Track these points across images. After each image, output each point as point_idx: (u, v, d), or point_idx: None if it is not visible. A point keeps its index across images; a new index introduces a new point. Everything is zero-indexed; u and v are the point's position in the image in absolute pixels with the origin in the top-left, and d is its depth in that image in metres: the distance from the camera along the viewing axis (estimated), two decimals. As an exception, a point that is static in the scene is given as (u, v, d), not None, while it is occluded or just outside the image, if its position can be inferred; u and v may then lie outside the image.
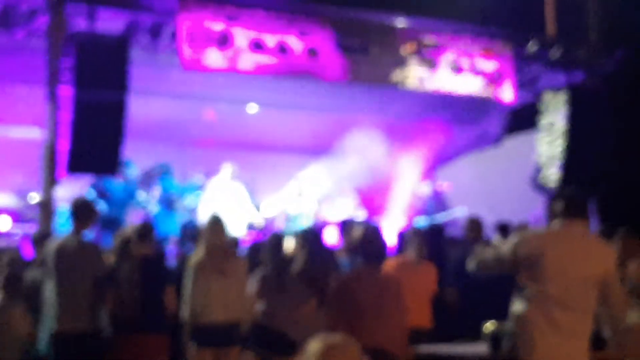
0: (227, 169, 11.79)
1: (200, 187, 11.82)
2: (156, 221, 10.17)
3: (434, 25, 11.32)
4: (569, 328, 4.67)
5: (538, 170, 12.06)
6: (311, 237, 7.54)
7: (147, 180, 11.47)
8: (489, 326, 5.44)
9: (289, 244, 7.50)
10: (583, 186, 11.14)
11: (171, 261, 8.33)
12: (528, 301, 4.71)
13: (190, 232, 9.32)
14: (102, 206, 10.50)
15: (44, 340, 6.52)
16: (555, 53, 11.81)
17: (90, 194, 10.51)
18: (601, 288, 4.74)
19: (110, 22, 9.54)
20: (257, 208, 12.02)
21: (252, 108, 12.87)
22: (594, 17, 12.49)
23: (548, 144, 11.92)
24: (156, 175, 11.51)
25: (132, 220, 10.29)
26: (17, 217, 10.51)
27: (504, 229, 8.87)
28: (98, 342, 6.51)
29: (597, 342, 5.06)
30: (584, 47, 12.18)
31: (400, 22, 11.05)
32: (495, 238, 8.95)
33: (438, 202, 13.15)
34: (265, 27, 10.19)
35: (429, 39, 11.14)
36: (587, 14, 12.52)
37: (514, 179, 12.40)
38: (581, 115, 11.82)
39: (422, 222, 12.18)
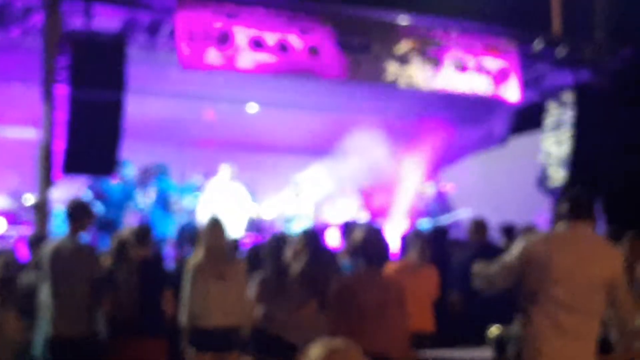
0: (225, 170, 11.80)
1: (198, 188, 11.82)
2: (152, 222, 10.17)
3: (437, 23, 11.30)
4: (575, 332, 4.66)
5: (544, 170, 12.05)
6: (311, 238, 7.53)
7: (143, 180, 11.47)
8: (494, 330, 5.42)
9: (289, 246, 7.50)
10: (590, 187, 11.12)
11: (169, 264, 8.32)
12: (534, 305, 4.70)
13: (188, 234, 9.31)
14: (99, 208, 10.50)
15: (39, 344, 6.51)
16: (561, 51, 11.80)
17: (86, 195, 10.50)
18: (608, 291, 4.73)
19: (107, 20, 9.53)
20: (258, 207, 12.04)
21: (252, 107, 12.87)
22: (601, 15, 12.48)
23: (555, 144, 11.90)
24: (152, 175, 11.50)
25: (129, 221, 10.30)
26: (12, 218, 10.50)
27: (509, 231, 8.86)
28: (95, 346, 6.50)
29: (605, 346, 5.05)
30: (590, 46, 12.17)
31: (403, 20, 11.04)
32: (501, 240, 8.95)
33: (442, 203, 13.14)
34: (265, 25, 10.18)
35: (433, 37, 11.13)
36: (594, 11, 12.51)
37: (520, 180, 12.39)
38: (588, 114, 11.81)
39: (425, 224, 12.18)
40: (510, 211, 10.69)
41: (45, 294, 6.50)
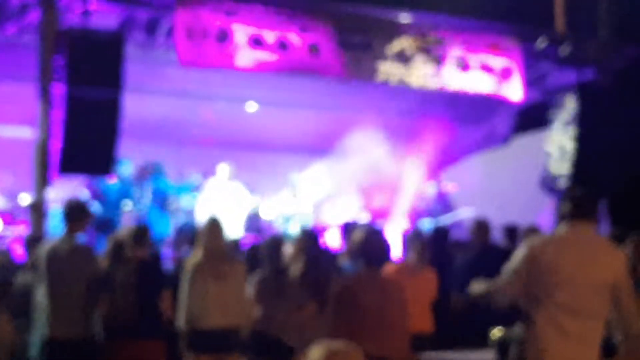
0: (223, 169, 11.81)
1: (196, 187, 11.82)
2: (149, 222, 10.17)
3: (439, 21, 11.30)
4: (579, 335, 4.66)
5: (547, 170, 12.05)
6: (309, 239, 7.54)
7: (139, 178, 11.48)
8: (496, 333, 5.44)
9: (288, 247, 7.51)
10: (593, 187, 11.13)
11: (166, 264, 8.32)
12: (537, 308, 4.70)
13: (187, 235, 9.31)
14: (96, 208, 10.50)
15: (35, 346, 6.51)
16: (564, 50, 11.80)
17: (83, 195, 10.51)
18: (612, 293, 4.74)
19: (104, 18, 9.52)
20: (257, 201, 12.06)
21: (252, 106, 12.88)
22: (605, 13, 12.48)
23: (558, 143, 11.91)
24: (148, 174, 11.51)
25: (126, 221, 10.30)
26: (8, 218, 10.51)
27: (511, 232, 8.86)
28: (91, 348, 6.51)
29: (608, 348, 5.05)
30: (594, 44, 12.17)
31: (404, 18, 11.04)
32: (503, 242, 8.95)
33: (443, 203, 13.15)
34: (264, 23, 10.18)
35: (434, 35, 11.13)
36: (598, 9, 12.51)
37: (523, 180, 12.39)
38: (591, 113, 11.81)
39: (426, 224, 12.19)
40: (513, 211, 10.70)
41: (41, 295, 6.50)
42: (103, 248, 7.36)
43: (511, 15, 11.87)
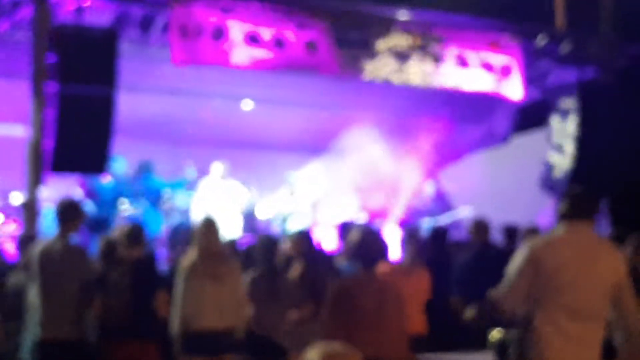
0: (217, 168, 11.80)
1: (190, 183, 11.81)
2: (143, 221, 10.17)
3: (438, 18, 11.31)
4: (579, 338, 4.68)
5: (548, 169, 12.05)
6: (305, 241, 7.56)
7: (133, 177, 11.49)
8: (495, 334, 5.44)
9: (284, 247, 7.53)
10: (594, 187, 11.13)
11: (161, 265, 8.32)
12: (537, 310, 4.71)
13: (182, 235, 9.32)
14: (90, 207, 10.50)
15: (27, 348, 6.51)
16: (565, 47, 11.81)
17: (77, 194, 10.50)
18: (612, 294, 4.75)
19: (97, 14, 9.52)
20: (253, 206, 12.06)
21: (247, 104, 12.87)
22: (606, 10, 12.48)
23: (559, 143, 11.92)
24: (138, 173, 11.50)
25: (120, 221, 10.29)
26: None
27: (511, 233, 8.87)
28: (85, 350, 6.51)
29: (609, 351, 5.07)
30: (595, 41, 12.17)
31: (402, 15, 11.05)
32: (503, 242, 8.96)
33: (442, 203, 13.16)
34: (261, 20, 10.18)
35: (433, 33, 11.13)
36: (599, 6, 12.51)
37: (523, 179, 12.40)
38: (592, 113, 11.82)
39: (424, 223, 12.19)
40: (513, 211, 10.71)
41: (33, 296, 6.50)
42: (97, 248, 7.36)
43: (511, 12, 11.88)
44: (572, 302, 4.67)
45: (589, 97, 11.85)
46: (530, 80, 11.93)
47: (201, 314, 6.59)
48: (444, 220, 12.40)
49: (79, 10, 9.33)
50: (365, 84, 11.40)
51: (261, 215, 12.22)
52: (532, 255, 4.76)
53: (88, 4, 9.36)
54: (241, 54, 10.06)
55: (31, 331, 6.48)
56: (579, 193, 4.92)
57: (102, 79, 9.16)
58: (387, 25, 10.90)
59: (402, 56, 10.93)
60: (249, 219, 11.98)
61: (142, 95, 11.27)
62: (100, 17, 9.55)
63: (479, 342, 5.91)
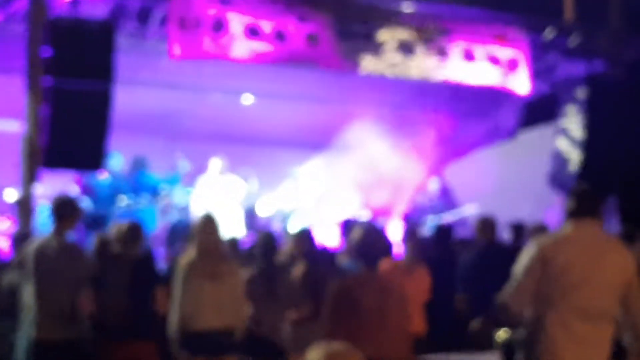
0: (215, 164, 11.80)
1: (184, 177, 11.79)
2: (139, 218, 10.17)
3: (443, 11, 11.30)
4: (590, 339, 4.68)
5: (559, 164, 12.00)
6: (307, 240, 7.56)
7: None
8: (502, 335, 5.43)
9: (284, 245, 7.53)
10: (602, 183, 11.13)
11: (159, 263, 8.32)
12: (547, 311, 4.70)
13: (180, 232, 9.33)
14: (86, 204, 10.49)
15: (21, 348, 6.51)
16: (573, 40, 11.80)
17: (73, 190, 10.50)
18: (622, 294, 4.75)
19: (94, 6, 9.52)
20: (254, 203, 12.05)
21: (247, 99, 12.87)
22: (616, 2, 12.47)
23: (568, 138, 11.89)
24: (132, 169, 11.50)
25: (117, 219, 10.29)
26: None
27: (518, 230, 8.86)
28: (81, 350, 6.50)
29: (618, 351, 5.06)
30: (604, 34, 12.16)
31: (407, 7, 11.04)
32: (510, 240, 8.95)
33: (447, 200, 13.15)
34: (261, 12, 10.17)
35: (438, 25, 11.12)
36: (608, -2, 12.52)
37: (530, 176, 12.39)
38: (601, 107, 11.80)
39: (429, 221, 12.19)
40: (520, 208, 10.70)
41: (28, 295, 6.49)
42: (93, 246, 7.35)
43: (518, 4, 11.86)
44: (581, 301, 4.66)
45: (598, 91, 11.83)
46: (537, 74, 11.92)
47: (200, 313, 6.57)
48: (448, 217, 12.39)
49: (75, 2, 9.33)
50: (369, 78, 11.40)
51: (262, 212, 12.22)
52: (540, 254, 4.75)
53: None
54: (241, 47, 10.05)
55: (26, 331, 6.47)
56: (586, 190, 4.92)
57: (99, 73, 9.16)
58: (391, 18, 10.89)
59: (406, 49, 10.91)
60: (249, 217, 11.97)
61: (140, 90, 11.28)
62: (96, 10, 9.55)
63: (485, 342, 5.90)
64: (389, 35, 10.83)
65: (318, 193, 12.42)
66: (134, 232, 6.92)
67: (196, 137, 12.93)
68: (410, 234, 8.14)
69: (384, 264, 6.00)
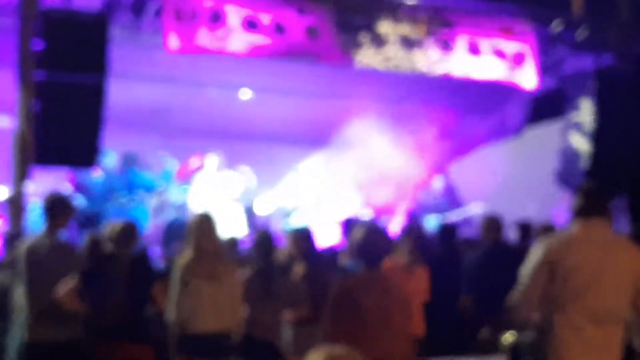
0: (211, 160, 11.80)
1: (174, 174, 11.80)
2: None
3: (447, 3, 11.29)
4: (600, 342, 4.69)
5: (564, 162, 12.00)
6: (306, 239, 7.56)
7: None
8: (508, 337, 5.44)
9: (283, 245, 7.54)
10: (611, 182, 11.13)
11: (154, 263, 8.32)
12: (556, 313, 4.71)
13: (176, 231, 9.33)
14: (79, 202, 10.50)
15: (13, 350, 6.52)
16: (582, 34, 11.80)
17: (66, 188, 10.51)
18: (632, 296, 4.76)
19: (87, -3, 9.53)
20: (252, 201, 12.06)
21: (245, 94, 12.87)
22: (625, -6, 12.48)
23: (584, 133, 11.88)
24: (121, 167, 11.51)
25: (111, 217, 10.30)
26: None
27: (525, 230, 8.87)
28: (75, 352, 6.51)
29: (628, 354, 5.08)
30: (613, 28, 12.16)
31: (410, -1, 11.05)
32: (516, 240, 8.96)
33: (451, 198, 13.15)
34: (260, 4, 10.17)
35: (442, 18, 11.11)
36: (617, -10, 12.51)
37: (537, 173, 12.39)
38: (610, 102, 11.80)
39: (432, 220, 12.20)
40: (526, 207, 10.71)
41: (20, 296, 6.50)
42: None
43: (524, -4, 11.86)
44: (590, 303, 4.67)
45: (607, 85, 11.83)
46: (545, 68, 11.92)
47: (198, 315, 6.57)
48: (453, 216, 12.40)
49: (68, -7, 9.34)
50: (370, 72, 11.39)
51: (260, 211, 12.22)
52: (547, 256, 4.76)
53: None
54: (239, 40, 10.05)
55: (17, 333, 6.48)
56: (594, 188, 4.92)
57: (92, 66, 9.16)
58: (393, 10, 10.88)
59: (408, 43, 10.91)
60: (247, 215, 11.98)
61: (134, 84, 11.28)
62: (89, 1, 9.55)
63: (490, 345, 5.92)
64: (390, 28, 10.83)
65: (318, 191, 12.43)
66: (129, 231, 6.91)
67: (192, 132, 12.94)
68: (406, 233, 8.14)
69: (385, 263, 6.02)
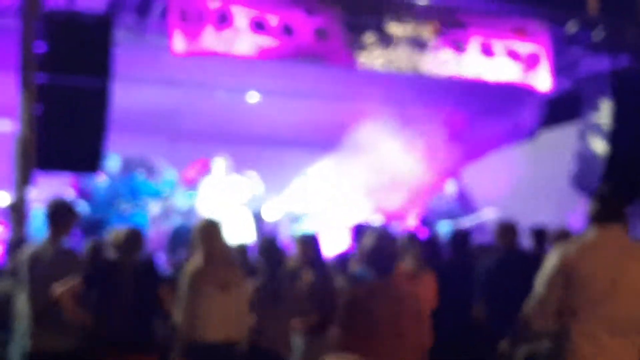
0: (219, 164, 11.79)
1: (174, 182, 11.81)
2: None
3: (460, 3, 11.28)
4: (617, 352, 4.67)
5: (580, 166, 11.95)
6: (312, 246, 7.56)
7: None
8: (524, 349, 5.44)
9: (291, 252, 7.53)
10: (629, 185, 11.11)
11: (161, 269, 8.33)
12: (573, 323, 4.70)
13: (183, 238, 9.34)
14: (83, 208, 10.51)
15: (16, 359, 6.53)
16: (598, 34, 11.78)
17: (69, 194, 10.52)
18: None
19: (91, -1, 9.56)
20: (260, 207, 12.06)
21: (253, 97, 12.88)
22: (642, -6, 12.46)
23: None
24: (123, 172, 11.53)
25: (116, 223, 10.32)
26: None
27: (540, 235, 8.85)
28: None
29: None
30: (630, 28, 12.14)
31: (421, 0, 11.04)
32: (531, 246, 8.94)
33: (464, 203, 13.13)
34: (267, 5, 10.18)
35: (454, 18, 11.11)
36: (635, -11, 12.49)
37: (552, 178, 12.36)
38: (627, 104, 11.77)
39: (445, 226, 12.18)
40: (542, 212, 10.68)
41: (22, 303, 6.51)
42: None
43: (539, -4, 11.85)
44: (608, 312, 4.66)
45: (623, 87, 11.79)
46: (559, 70, 11.89)
47: (208, 324, 6.56)
48: (466, 222, 12.38)
49: (71, -5, 9.36)
50: (380, 74, 11.38)
51: (268, 216, 12.22)
52: (562, 264, 4.75)
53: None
54: (246, 42, 10.06)
55: (20, 341, 6.49)
56: (611, 193, 4.90)
57: (96, 69, 9.18)
58: (404, 11, 10.88)
59: (418, 44, 10.91)
60: (256, 221, 11.98)
61: (139, 87, 11.30)
62: (93, 2, 9.56)
63: (505, 354, 5.91)
64: (401, 29, 10.83)
65: (328, 196, 12.42)
66: (134, 238, 6.90)
67: (199, 136, 12.96)
68: (411, 240, 8.12)
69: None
